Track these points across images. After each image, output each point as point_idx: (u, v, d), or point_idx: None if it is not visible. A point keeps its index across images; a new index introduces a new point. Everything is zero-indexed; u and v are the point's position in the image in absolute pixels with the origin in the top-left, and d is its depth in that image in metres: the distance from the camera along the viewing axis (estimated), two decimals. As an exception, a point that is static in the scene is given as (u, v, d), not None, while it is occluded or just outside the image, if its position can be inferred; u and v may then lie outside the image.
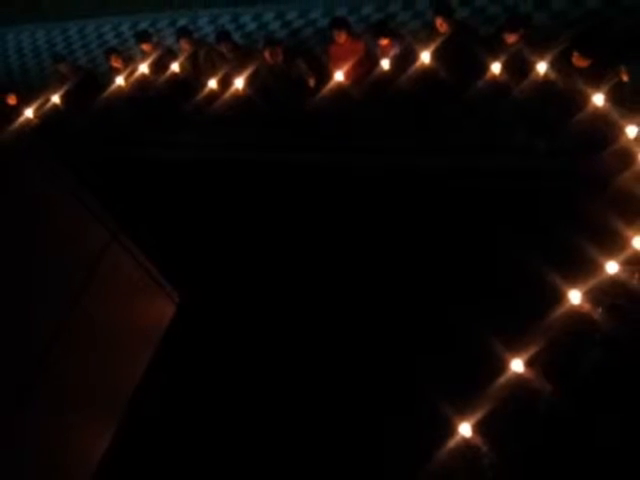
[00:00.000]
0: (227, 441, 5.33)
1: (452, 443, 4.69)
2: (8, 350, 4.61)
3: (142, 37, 7.99)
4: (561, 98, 6.08)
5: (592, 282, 5.05)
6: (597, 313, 4.84)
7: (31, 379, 4.76)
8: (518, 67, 6.25)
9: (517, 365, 4.79)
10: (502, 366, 4.82)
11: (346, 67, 6.83)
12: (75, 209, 5.20)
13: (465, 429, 4.68)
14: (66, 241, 5.15)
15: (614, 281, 5.06)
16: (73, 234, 5.23)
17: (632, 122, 5.66)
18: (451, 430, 4.70)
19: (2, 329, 4.56)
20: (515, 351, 4.84)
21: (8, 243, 4.65)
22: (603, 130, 5.83)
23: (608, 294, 4.95)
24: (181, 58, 7.68)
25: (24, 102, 7.70)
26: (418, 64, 6.55)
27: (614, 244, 5.23)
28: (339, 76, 6.78)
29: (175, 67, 7.57)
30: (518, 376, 4.78)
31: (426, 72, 6.55)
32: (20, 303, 4.71)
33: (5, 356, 4.58)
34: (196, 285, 6.35)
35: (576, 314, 4.95)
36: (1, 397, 4.56)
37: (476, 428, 4.67)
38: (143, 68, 7.66)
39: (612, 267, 5.08)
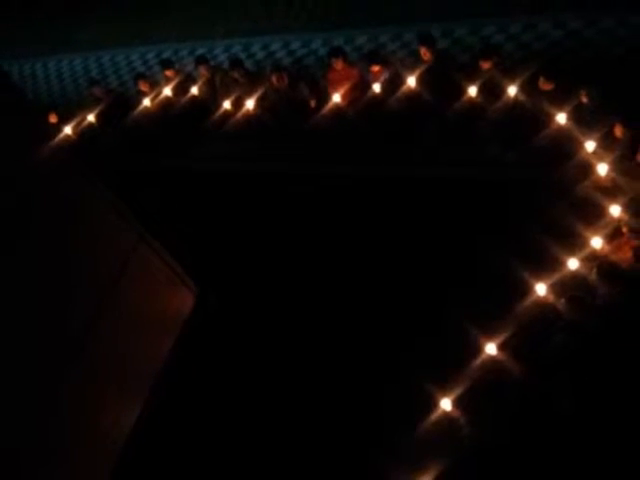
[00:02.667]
0: (243, 411, 5.33)
1: (434, 416, 4.70)
2: (54, 326, 4.64)
3: (166, 64, 7.98)
4: (529, 117, 6.09)
5: (556, 276, 5.06)
6: (560, 303, 4.84)
7: (74, 352, 4.79)
8: (491, 90, 6.25)
9: (491, 348, 4.80)
10: (478, 349, 4.83)
11: (342, 90, 6.83)
12: (108, 214, 5.21)
13: (446, 404, 4.68)
14: (101, 240, 5.17)
15: (575, 275, 5.07)
16: (107, 235, 5.24)
17: (590, 138, 5.67)
18: (434, 404, 4.71)
19: (51, 309, 4.59)
20: (489, 336, 4.85)
21: (54, 239, 4.68)
22: (565, 145, 5.84)
23: (569, 287, 4.96)
24: (199, 82, 7.67)
25: (63, 121, 7.69)
26: (405, 88, 6.56)
27: (575, 243, 5.24)
28: (336, 98, 6.78)
29: (194, 90, 7.57)
30: (492, 358, 4.79)
31: (412, 95, 6.55)
32: (64, 290, 4.75)
33: (52, 332, 4.60)
34: (213, 280, 6.36)
35: (542, 304, 4.96)
36: (50, 366, 4.59)
37: (455, 403, 4.68)
38: (167, 91, 7.66)
39: (573, 263, 5.09)
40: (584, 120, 5.79)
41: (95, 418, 5.03)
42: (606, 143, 5.63)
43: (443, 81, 6.46)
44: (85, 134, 7.65)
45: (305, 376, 5.35)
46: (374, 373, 5.22)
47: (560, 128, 5.85)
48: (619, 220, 5.29)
